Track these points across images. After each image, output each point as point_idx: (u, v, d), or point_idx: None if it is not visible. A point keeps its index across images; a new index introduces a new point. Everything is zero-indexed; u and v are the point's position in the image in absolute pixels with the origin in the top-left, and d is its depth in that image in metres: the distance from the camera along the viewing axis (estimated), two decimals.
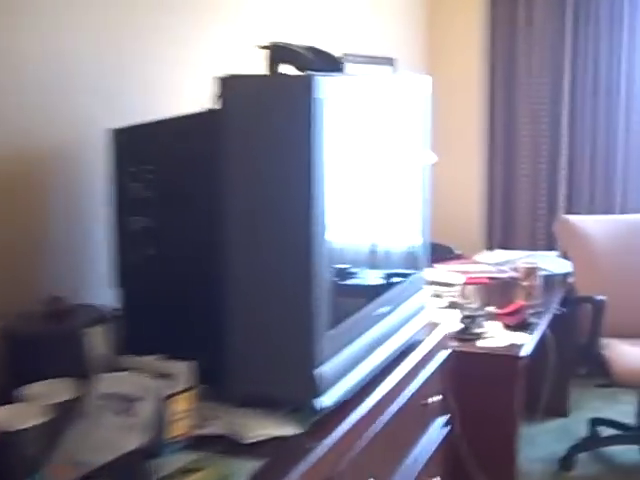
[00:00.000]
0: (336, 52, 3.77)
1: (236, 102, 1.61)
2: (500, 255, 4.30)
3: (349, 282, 1.88)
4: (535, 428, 3.98)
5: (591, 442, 3.85)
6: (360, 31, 3.75)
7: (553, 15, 4.45)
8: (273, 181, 1.62)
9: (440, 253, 4.35)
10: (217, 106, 1.62)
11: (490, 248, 4.57)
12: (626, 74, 4.37)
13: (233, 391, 1.72)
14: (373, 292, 1.98)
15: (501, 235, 4.75)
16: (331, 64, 1.77)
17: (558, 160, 4.55)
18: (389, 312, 2.04)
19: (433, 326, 2.39)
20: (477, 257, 4.28)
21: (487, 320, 3.13)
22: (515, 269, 3.82)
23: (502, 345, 2.92)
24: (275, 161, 1.61)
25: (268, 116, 1.59)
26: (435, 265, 4.12)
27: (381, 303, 1.99)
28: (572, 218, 4.04)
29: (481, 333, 3.02)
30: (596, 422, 3.94)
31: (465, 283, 3.75)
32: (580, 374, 3.95)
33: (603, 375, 3.52)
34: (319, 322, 1.65)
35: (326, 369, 1.69)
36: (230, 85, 1.61)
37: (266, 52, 1.70)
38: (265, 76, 1.72)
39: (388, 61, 3.96)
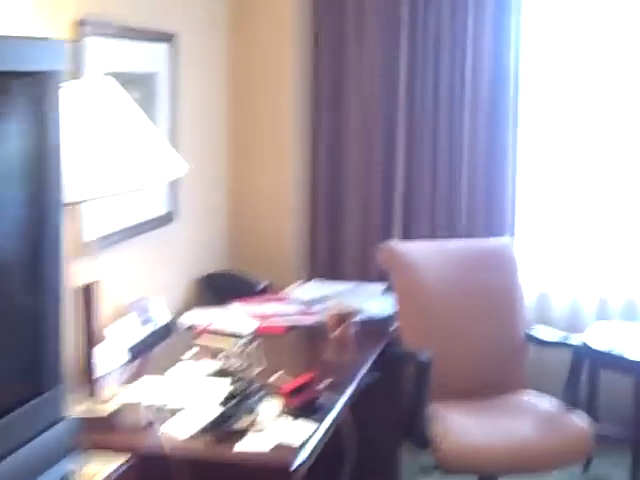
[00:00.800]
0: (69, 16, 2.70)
1: None
2: (315, 289, 3.41)
3: None
4: None
5: None
6: None
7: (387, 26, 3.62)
8: None
9: (237, 287, 3.39)
10: None
11: (308, 279, 3.66)
12: (471, 84, 3.62)
13: None
14: None
15: (326, 263, 3.81)
16: None
17: (394, 177, 3.70)
18: None
19: None
20: (286, 292, 3.38)
21: (265, 399, 2.25)
22: (323, 314, 2.96)
23: (268, 449, 2.01)
24: None
25: None
26: (230, 305, 3.20)
27: None
28: (397, 245, 3.24)
29: (248, 425, 2.11)
30: None
31: (256, 333, 2.85)
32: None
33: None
34: None
35: None
36: None
37: None
38: None
39: (163, 37, 2.98)
